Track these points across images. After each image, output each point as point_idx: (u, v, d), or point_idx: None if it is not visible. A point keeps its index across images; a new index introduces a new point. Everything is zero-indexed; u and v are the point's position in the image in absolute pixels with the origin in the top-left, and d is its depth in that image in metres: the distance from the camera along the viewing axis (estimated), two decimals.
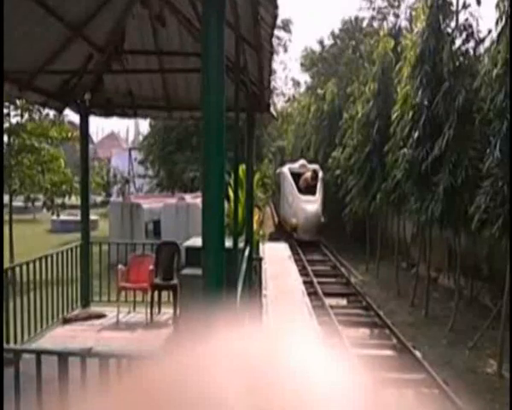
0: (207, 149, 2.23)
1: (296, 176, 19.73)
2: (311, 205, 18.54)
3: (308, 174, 19.76)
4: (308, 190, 19.12)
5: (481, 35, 9.04)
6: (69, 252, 6.35)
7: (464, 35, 9.04)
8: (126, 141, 54.83)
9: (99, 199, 30.76)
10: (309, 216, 18.33)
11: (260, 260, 7.55)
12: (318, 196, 19.12)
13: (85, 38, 5.57)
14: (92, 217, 11.05)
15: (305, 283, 11.79)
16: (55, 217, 14.71)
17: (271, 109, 6.67)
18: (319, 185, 19.44)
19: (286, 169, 20.85)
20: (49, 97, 6.22)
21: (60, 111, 7.18)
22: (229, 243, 4.24)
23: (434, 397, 6.17)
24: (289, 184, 19.67)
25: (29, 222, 23.24)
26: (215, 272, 2.24)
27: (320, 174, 19.65)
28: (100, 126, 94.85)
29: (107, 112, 6.98)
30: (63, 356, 2.66)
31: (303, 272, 13.52)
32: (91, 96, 6.50)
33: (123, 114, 7.04)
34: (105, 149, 46.63)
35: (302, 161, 21.35)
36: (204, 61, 2.16)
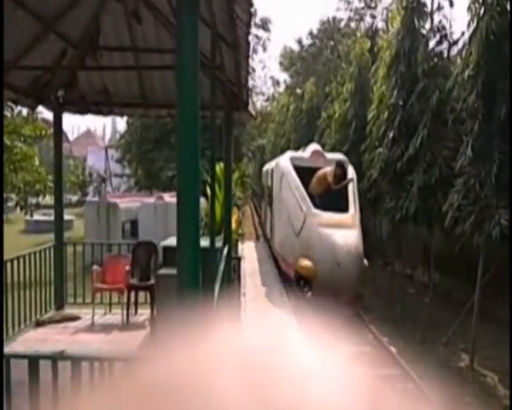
0: (182, 147, 2.20)
1: (305, 173, 10.36)
2: (343, 232, 9.09)
3: (328, 170, 10.23)
4: (329, 200, 9.74)
5: (455, 37, 9.30)
6: (42, 253, 6.19)
7: (438, 36, 9.26)
8: (103, 139, 53.95)
9: (74, 198, 30.21)
10: (342, 256, 8.84)
11: (239, 259, 7.55)
12: (354, 211, 9.84)
13: (59, 33, 5.43)
14: (67, 217, 10.82)
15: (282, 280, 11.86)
16: (28, 217, 14.35)
17: (250, 108, 6.66)
18: (351, 191, 10.25)
19: (286, 161, 11.23)
20: (20, 94, 6.05)
21: (33, 108, 7.00)
22: (206, 243, 4.22)
23: (409, 391, 6.30)
24: (294, 189, 10.30)
25: None
26: (190, 272, 2.22)
27: (350, 170, 10.56)
28: (76, 124, 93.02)
29: (81, 109, 6.84)
30: (34, 360, 2.59)
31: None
32: (65, 93, 6.36)
33: (98, 112, 6.91)
34: (81, 147, 45.83)
35: (315, 146, 12.17)
36: (178, 56, 2.14)
